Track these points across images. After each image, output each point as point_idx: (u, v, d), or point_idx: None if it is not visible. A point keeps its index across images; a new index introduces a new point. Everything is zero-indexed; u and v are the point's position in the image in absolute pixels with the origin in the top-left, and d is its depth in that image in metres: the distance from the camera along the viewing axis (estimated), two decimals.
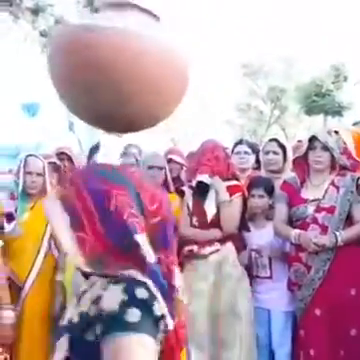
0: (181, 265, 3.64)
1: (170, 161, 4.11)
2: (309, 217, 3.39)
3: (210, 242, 3.49)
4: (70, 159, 4.41)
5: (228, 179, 3.60)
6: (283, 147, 3.93)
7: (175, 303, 1.30)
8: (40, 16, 11.15)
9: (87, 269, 1.26)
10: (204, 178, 3.56)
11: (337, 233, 3.29)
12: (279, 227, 3.51)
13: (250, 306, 3.50)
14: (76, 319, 1.26)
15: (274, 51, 24.04)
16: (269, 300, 3.57)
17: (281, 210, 3.53)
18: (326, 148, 3.42)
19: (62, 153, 4.42)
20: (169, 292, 1.27)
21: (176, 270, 1.33)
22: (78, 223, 1.26)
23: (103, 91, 1.58)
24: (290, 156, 3.90)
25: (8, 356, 3.20)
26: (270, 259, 3.59)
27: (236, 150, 4.11)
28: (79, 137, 7.01)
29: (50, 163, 3.98)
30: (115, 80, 1.56)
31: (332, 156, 3.44)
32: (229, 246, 3.53)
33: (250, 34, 23.92)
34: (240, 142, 4.21)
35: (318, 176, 3.48)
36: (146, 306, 1.19)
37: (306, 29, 27.44)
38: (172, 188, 3.88)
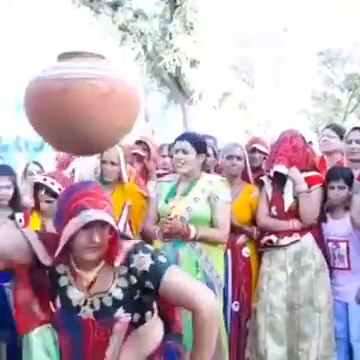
0: (260, 255, 3.66)
1: (254, 150, 4.09)
2: None
3: (289, 232, 3.49)
4: (148, 149, 4.52)
5: (307, 170, 3.57)
6: None
7: None
8: (119, 10, 11.39)
9: None
10: (281, 169, 3.53)
11: None
12: (357, 218, 3.43)
13: (329, 297, 3.47)
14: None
15: (352, 37, 23.15)
16: (347, 293, 3.49)
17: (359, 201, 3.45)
18: None
19: (141, 142, 4.55)
20: None
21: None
22: None
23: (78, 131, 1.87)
24: None
25: None
26: (348, 250, 3.49)
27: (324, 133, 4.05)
28: None
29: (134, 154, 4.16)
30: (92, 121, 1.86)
31: None
32: (308, 237, 3.50)
33: (327, 21, 23.15)
34: (329, 126, 4.16)
35: None
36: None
37: None
38: (251, 178, 3.84)
